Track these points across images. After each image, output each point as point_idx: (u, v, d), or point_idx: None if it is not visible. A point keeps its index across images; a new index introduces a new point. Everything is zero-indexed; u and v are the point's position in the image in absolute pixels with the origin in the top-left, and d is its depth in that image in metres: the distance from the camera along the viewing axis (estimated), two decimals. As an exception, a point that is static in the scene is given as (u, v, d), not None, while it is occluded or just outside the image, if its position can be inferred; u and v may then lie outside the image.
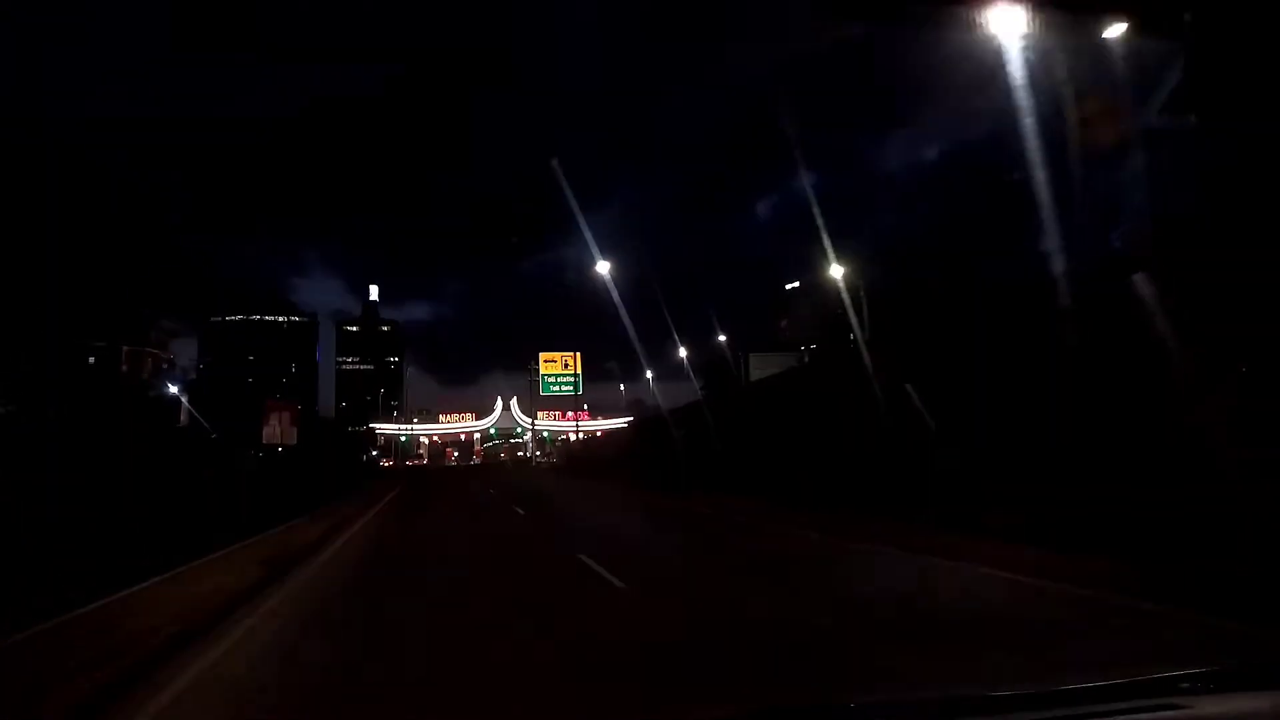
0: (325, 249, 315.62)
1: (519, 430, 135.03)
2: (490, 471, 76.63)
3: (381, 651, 6.62)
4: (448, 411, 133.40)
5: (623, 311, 46.70)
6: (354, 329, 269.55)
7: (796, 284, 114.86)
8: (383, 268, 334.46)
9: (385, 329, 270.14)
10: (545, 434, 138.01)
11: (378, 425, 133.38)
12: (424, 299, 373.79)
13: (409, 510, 26.95)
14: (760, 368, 67.04)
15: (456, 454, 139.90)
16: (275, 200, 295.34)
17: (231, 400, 78.82)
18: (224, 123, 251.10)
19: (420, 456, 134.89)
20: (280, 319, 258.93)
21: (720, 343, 64.68)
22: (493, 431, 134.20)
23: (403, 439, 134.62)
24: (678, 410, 38.64)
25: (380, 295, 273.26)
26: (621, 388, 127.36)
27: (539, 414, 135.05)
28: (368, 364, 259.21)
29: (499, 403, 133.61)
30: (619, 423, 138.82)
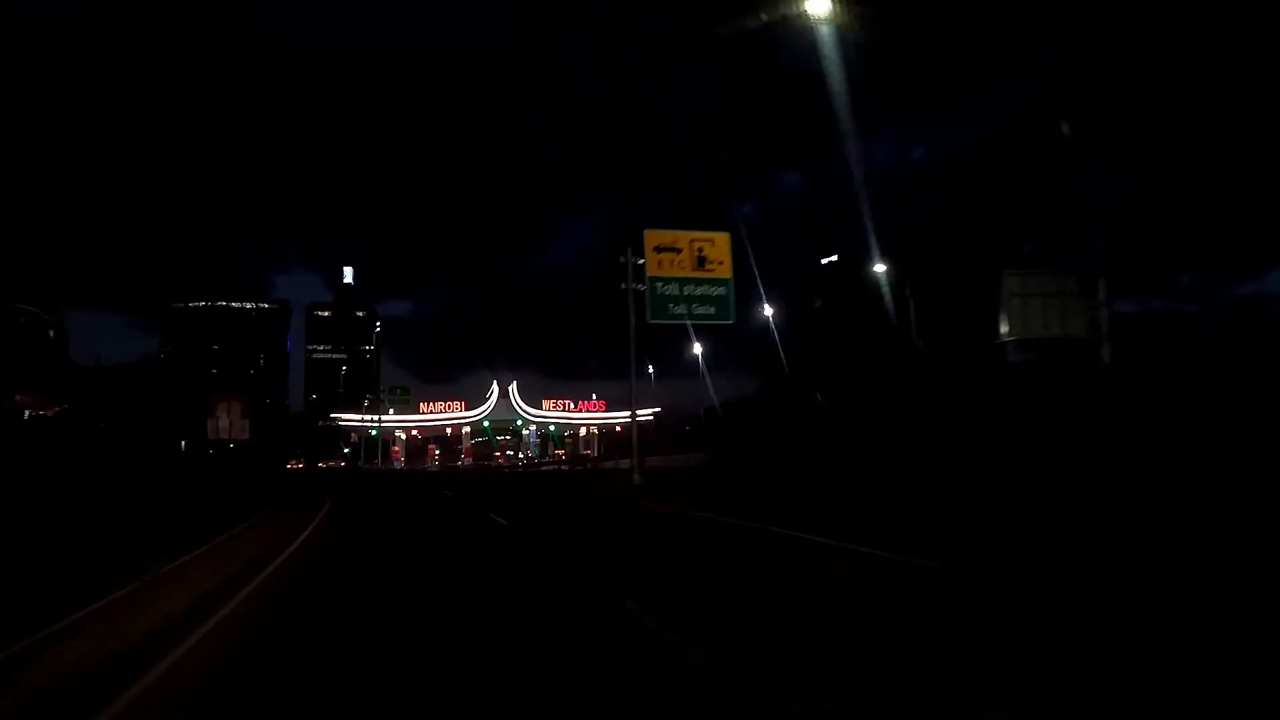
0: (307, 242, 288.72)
1: (518, 423, 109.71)
2: (503, 493, 37.26)
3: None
4: (432, 400, 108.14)
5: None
6: (326, 314, 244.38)
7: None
8: (367, 254, 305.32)
9: (360, 314, 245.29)
10: (551, 427, 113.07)
11: (343, 416, 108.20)
12: (410, 287, 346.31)
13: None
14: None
15: (439, 452, 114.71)
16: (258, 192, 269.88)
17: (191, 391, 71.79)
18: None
19: (395, 455, 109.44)
20: (248, 305, 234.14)
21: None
22: (486, 425, 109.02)
23: (373, 433, 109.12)
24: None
25: (359, 281, 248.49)
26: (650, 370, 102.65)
27: (543, 404, 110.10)
28: (340, 352, 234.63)
29: (494, 389, 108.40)
30: (644, 414, 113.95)
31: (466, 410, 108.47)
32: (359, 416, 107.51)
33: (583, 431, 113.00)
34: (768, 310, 43.37)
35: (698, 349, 45.82)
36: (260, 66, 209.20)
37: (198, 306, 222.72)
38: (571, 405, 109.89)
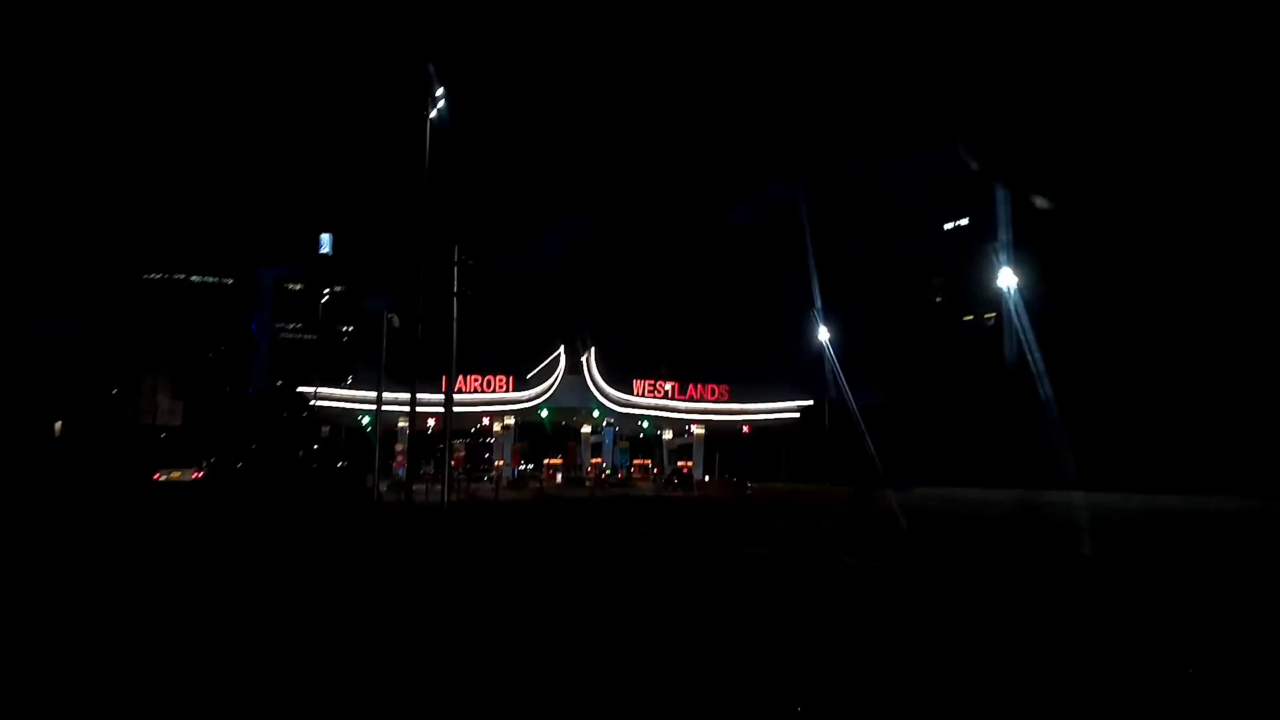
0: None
1: (594, 413, 70.19)
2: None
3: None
4: (462, 373, 67.98)
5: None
6: (298, 287, 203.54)
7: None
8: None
9: (339, 289, 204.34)
10: (643, 423, 73.47)
11: (323, 392, 67.91)
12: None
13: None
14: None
15: (467, 459, 75.80)
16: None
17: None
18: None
19: (399, 460, 69.97)
20: (210, 279, 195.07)
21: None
22: (543, 415, 69.08)
23: (364, 421, 69.32)
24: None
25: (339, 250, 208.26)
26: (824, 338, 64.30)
27: (634, 387, 70.55)
28: (312, 333, 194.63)
29: (560, 360, 68.73)
30: (784, 410, 74.34)
31: (512, 389, 68.54)
32: (346, 397, 67.16)
33: (694, 430, 73.57)
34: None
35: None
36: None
37: (152, 279, 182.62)
38: (678, 390, 70.13)
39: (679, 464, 75.18)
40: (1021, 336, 65.01)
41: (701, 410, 70.80)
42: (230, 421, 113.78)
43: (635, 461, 78.15)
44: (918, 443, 64.51)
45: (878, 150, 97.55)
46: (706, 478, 73.41)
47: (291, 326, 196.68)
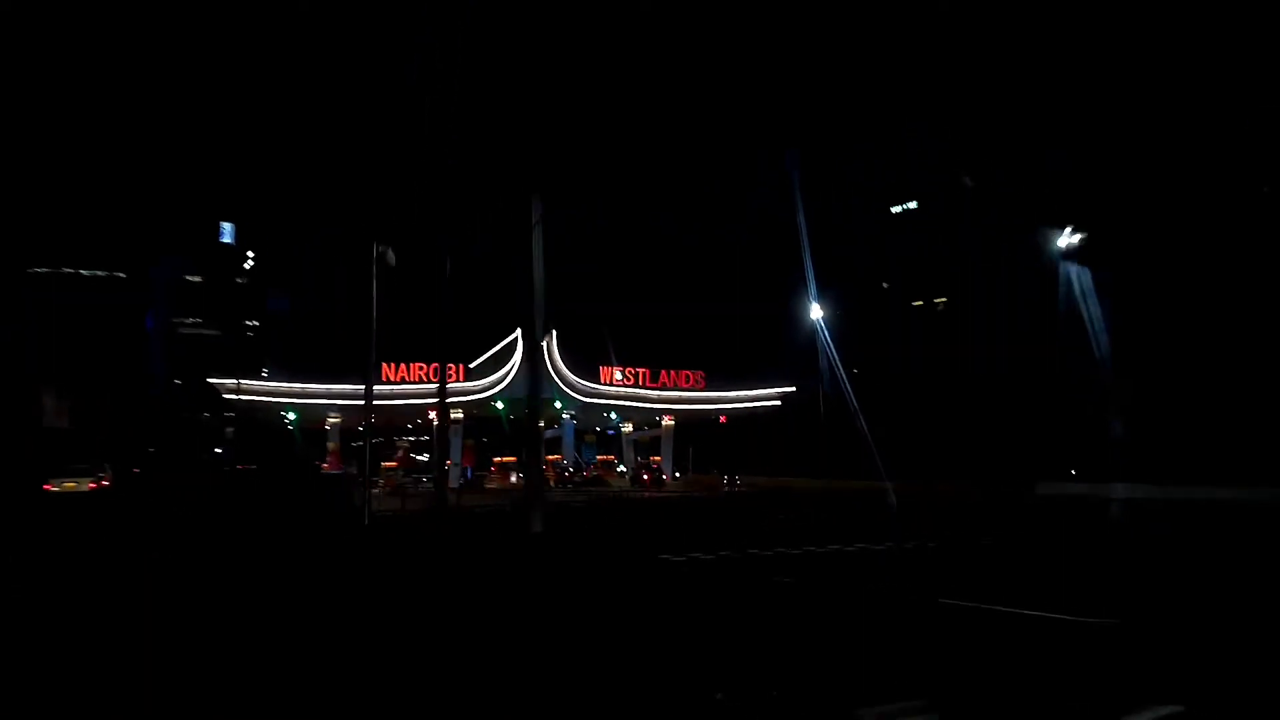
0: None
1: (556, 404, 62.67)
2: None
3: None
4: (399, 361, 59.21)
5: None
6: (197, 279, 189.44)
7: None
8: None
9: (241, 281, 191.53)
10: (610, 414, 66.28)
11: (247, 385, 58.14)
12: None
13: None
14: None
15: (406, 456, 67.77)
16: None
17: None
18: None
19: (332, 460, 61.29)
20: (101, 273, 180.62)
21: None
22: (500, 406, 61.01)
23: (290, 417, 60.38)
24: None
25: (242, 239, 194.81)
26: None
27: (601, 374, 63.20)
28: (213, 328, 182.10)
29: (517, 346, 60.81)
30: (763, 396, 67.64)
31: (463, 379, 60.34)
32: (273, 389, 57.90)
33: (664, 423, 66.61)
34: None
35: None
36: None
37: (36, 273, 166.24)
38: (648, 378, 63.01)
39: (650, 459, 68.18)
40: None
41: (675, 400, 63.78)
42: (125, 423, 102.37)
43: (599, 457, 70.72)
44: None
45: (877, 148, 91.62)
46: (677, 474, 66.51)
47: (190, 321, 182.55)
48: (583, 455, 68.26)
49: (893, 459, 49.16)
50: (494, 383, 59.97)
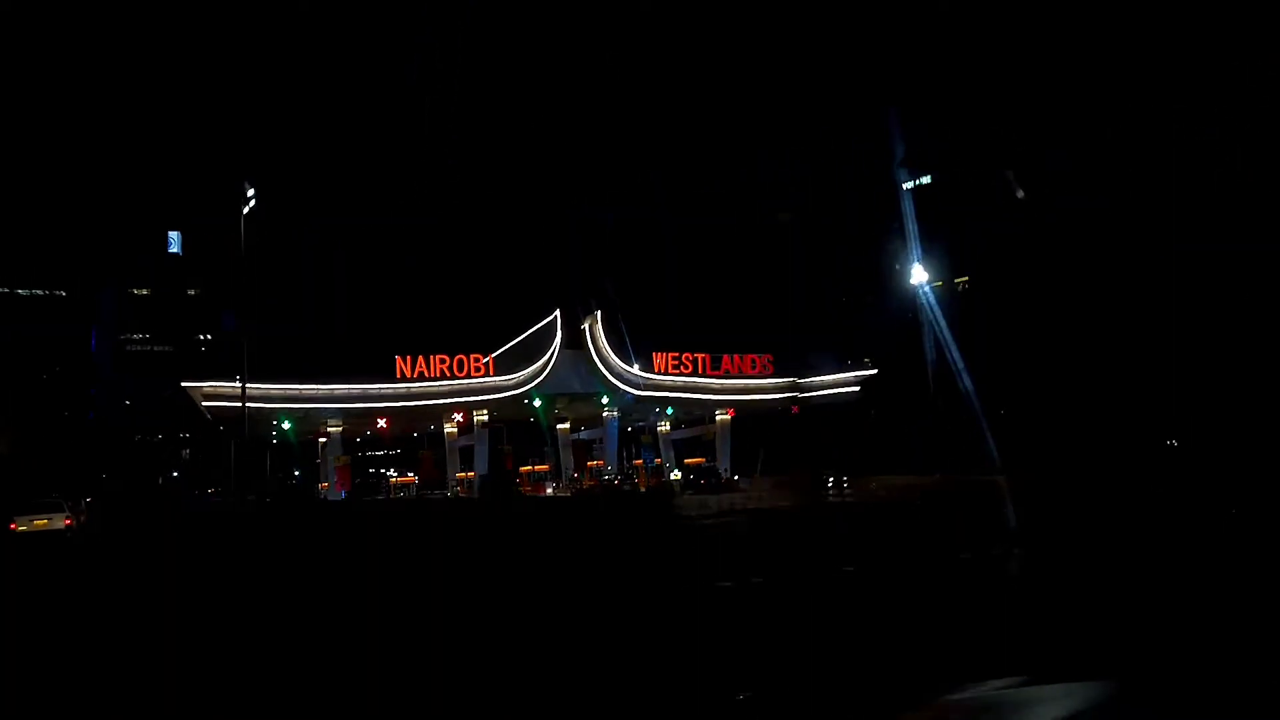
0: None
1: (602, 397, 52.37)
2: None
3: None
4: (418, 353, 48.59)
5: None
6: (144, 293, 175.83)
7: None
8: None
9: (194, 292, 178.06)
10: (668, 409, 56.48)
11: (218, 388, 46.56)
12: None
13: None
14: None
15: (423, 474, 57.56)
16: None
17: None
18: None
19: (342, 480, 50.46)
20: (40, 292, 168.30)
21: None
22: (536, 405, 50.74)
23: (284, 426, 49.50)
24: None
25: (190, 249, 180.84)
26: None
27: (654, 360, 53.37)
28: (164, 345, 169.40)
29: (556, 330, 50.60)
30: (844, 380, 57.97)
31: (492, 374, 50.16)
32: (255, 391, 46.70)
33: (717, 417, 56.94)
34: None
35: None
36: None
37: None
38: (708, 364, 53.36)
39: (712, 461, 58.54)
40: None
41: (741, 389, 54.12)
42: (72, 449, 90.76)
43: (634, 461, 60.78)
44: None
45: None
46: (735, 476, 56.70)
47: (139, 337, 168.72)
48: (645, 459, 58.24)
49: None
50: (530, 376, 49.76)
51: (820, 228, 73.51)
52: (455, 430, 58.07)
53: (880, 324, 56.48)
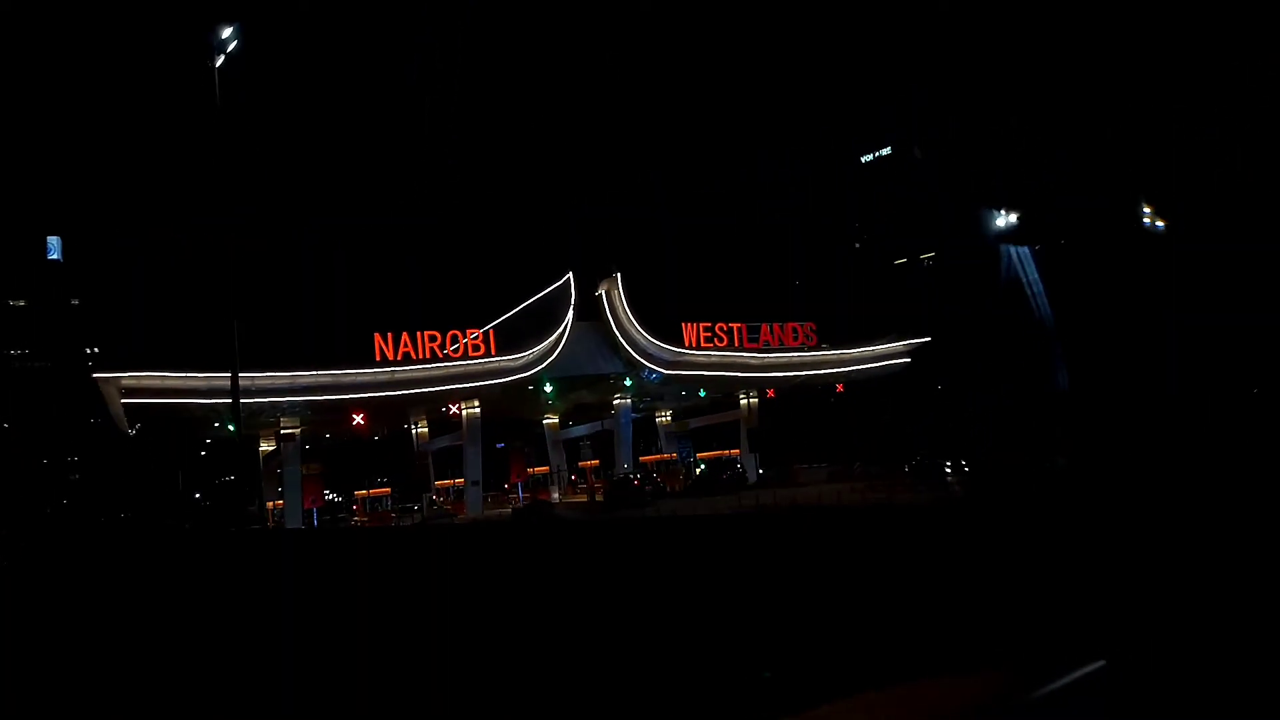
0: None
1: (625, 380, 42.99)
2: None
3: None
4: (401, 330, 38.43)
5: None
6: (20, 304, 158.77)
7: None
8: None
9: (78, 301, 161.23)
10: (700, 392, 47.47)
11: (130, 379, 35.32)
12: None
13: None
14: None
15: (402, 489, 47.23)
16: None
17: None
18: None
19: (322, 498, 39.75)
20: None
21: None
22: (548, 389, 41.14)
23: (227, 428, 38.35)
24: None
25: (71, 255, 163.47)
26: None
27: (683, 331, 44.39)
28: (43, 360, 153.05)
29: (569, 296, 41.07)
30: (891, 352, 49.58)
31: (495, 352, 40.50)
32: (199, 383, 35.77)
33: (743, 402, 48.46)
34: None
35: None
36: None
37: None
38: (746, 335, 44.81)
39: (730, 453, 50.05)
40: None
41: (783, 364, 45.64)
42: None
43: (645, 459, 51.71)
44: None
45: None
46: (760, 471, 48.31)
47: (17, 352, 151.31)
48: (680, 452, 49.24)
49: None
50: (541, 354, 40.27)
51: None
52: (426, 430, 48.32)
53: (939, 287, 48.79)
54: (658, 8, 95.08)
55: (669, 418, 54.44)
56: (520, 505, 42.54)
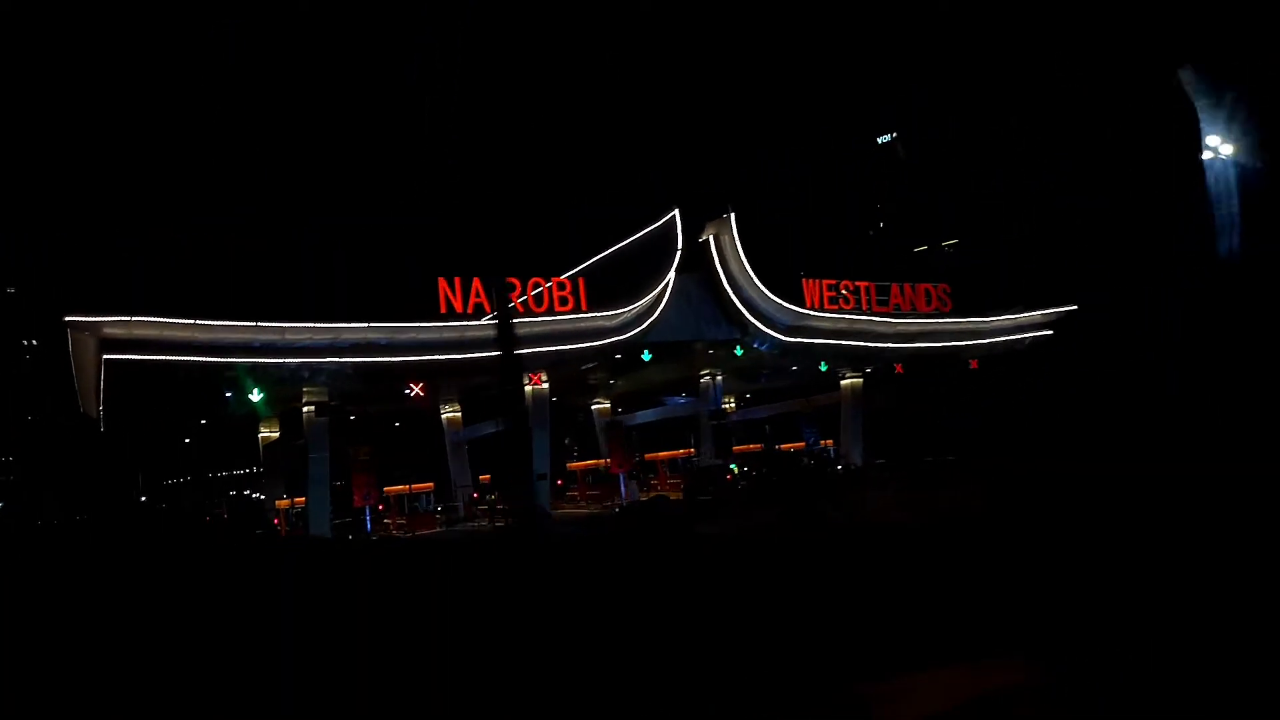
0: None
1: (735, 348, 34.14)
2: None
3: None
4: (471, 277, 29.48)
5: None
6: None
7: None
8: None
9: (10, 290, 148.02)
10: (821, 365, 38.81)
11: (118, 327, 25.76)
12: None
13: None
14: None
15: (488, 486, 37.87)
16: None
17: None
18: None
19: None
20: None
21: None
22: (645, 356, 32.32)
23: (250, 396, 28.49)
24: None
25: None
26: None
27: (804, 290, 35.95)
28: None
29: (678, 233, 32.31)
30: (1031, 322, 41.17)
31: (585, 307, 31.56)
32: (219, 335, 26.07)
33: (843, 383, 40.25)
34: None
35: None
36: None
37: None
38: (874, 295, 36.49)
39: (824, 442, 41.95)
40: None
41: (918, 332, 37.58)
42: None
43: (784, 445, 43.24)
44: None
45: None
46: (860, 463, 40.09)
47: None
48: (807, 439, 40.85)
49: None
50: (642, 311, 31.63)
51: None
52: (459, 414, 39.64)
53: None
54: (657, 8, 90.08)
55: (731, 404, 46.22)
56: (626, 503, 33.74)
